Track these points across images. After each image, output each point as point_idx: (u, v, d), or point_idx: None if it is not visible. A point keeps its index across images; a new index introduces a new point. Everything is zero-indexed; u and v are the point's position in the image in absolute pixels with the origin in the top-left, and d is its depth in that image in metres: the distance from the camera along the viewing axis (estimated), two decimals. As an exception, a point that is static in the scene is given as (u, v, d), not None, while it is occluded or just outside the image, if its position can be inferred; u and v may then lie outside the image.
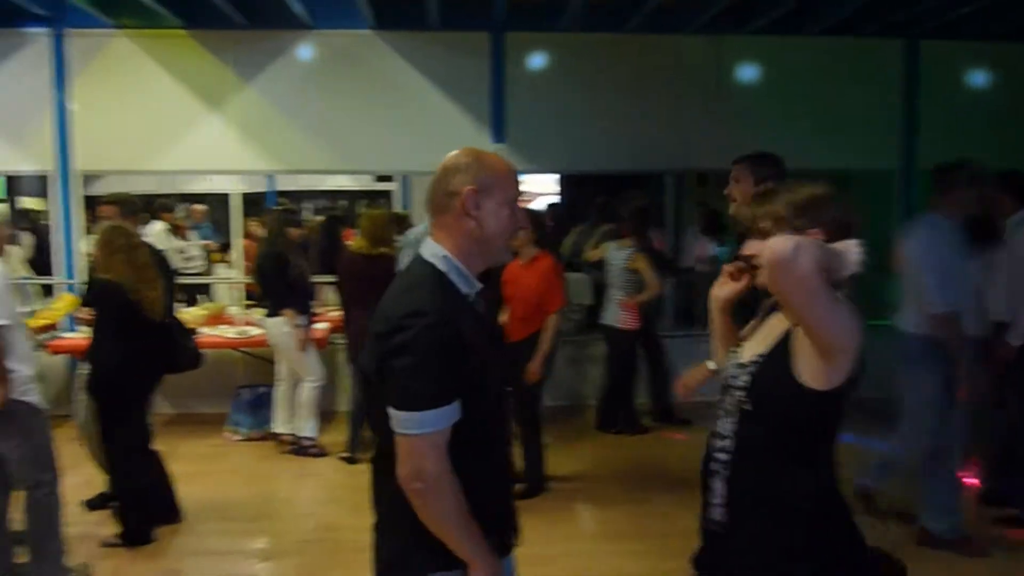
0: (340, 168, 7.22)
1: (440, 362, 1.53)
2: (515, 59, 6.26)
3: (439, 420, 1.53)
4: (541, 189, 9.45)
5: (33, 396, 3.29)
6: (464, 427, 1.58)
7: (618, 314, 5.54)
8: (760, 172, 3.09)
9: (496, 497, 1.74)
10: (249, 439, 5.57)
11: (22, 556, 3.44)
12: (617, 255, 5.56)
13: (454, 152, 1.70)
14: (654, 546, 3.86)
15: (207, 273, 8.09)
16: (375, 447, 1.75)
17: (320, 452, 5.20)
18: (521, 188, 1.73)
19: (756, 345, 1.82)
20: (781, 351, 1.71)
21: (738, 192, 3.15)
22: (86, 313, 4.02)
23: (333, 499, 4.62)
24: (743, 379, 1.76)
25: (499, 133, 6.27)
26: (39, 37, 6.01)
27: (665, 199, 7.91)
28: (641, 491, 4.67)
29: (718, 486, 1.81)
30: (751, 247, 1.78)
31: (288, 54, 6.17)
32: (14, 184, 8.56)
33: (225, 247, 8.48)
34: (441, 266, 1.64)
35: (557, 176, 7.92)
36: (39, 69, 6.02)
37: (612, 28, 6.14)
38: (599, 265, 5.87)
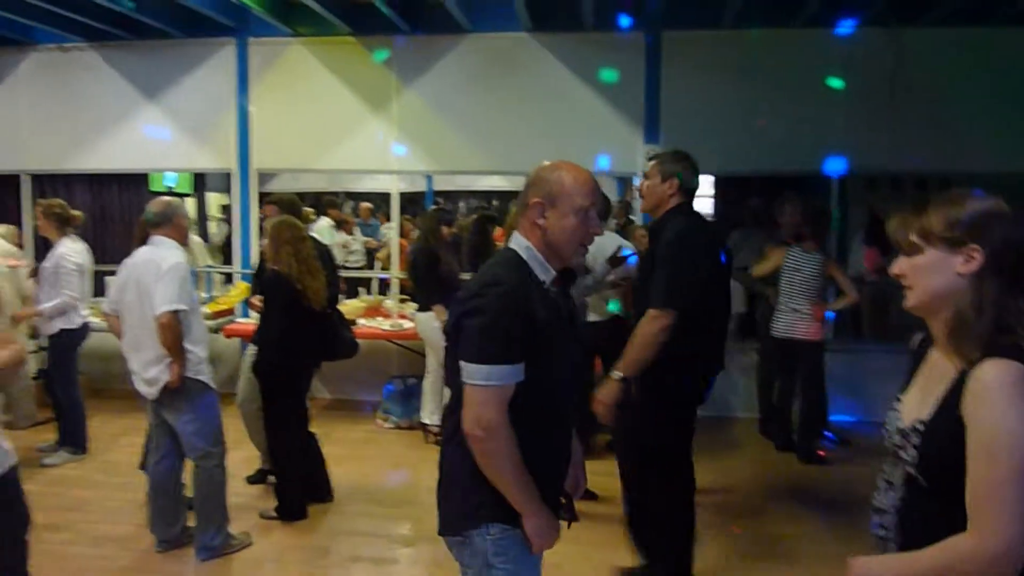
0: (493, 169, 7.37)
1: (508, 325, 1.73)
2: (670, 58, 6.11)
3: (503, 376, 1.74)
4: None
5: (206, 376, 3.58)
6: (526, 396, 1.77)
7: (805, 325, 5.09)
8: (669, 169, 3.08)
9: (546, 474, 1.88)
10: (398, 427, 5.80)
11: (191, 520, 3.76)
12: (802, 261, 5.12)
13: (541, 164, 1.92)
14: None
15: (368, 267, 8.50)
16: (448, 407, 1.93)
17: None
18: (593, 199, 1.87)
19: (918, 402, 1.48)
20: (949, 414, 1.36)
21: (645, 188, 3.17)
22: (258, 300, 4.33)
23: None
24: (910, 452, 1.43)
25: (652, 133, 6.15)
26: (225, 46, 6.55)
27: (828, 204, 7.44)
28: (792, 511, 4.42)
29: None
30: (898, 265, 1.49)
31: (446, 57, 6.36)
32: (201, 180, 9.40)
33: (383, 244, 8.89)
34: (523, 254, 1.87)
35: (712, 178, 7.65)
36: (224, 76, 6.56)
37: (776, 23, 5.87)
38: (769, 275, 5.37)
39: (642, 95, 6.15)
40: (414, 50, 6.35)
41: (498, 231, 7.45)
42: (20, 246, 6.08)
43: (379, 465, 5.09)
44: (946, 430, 1.36)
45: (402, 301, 6.54)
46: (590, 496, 4.17)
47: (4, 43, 6.76)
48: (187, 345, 3.44)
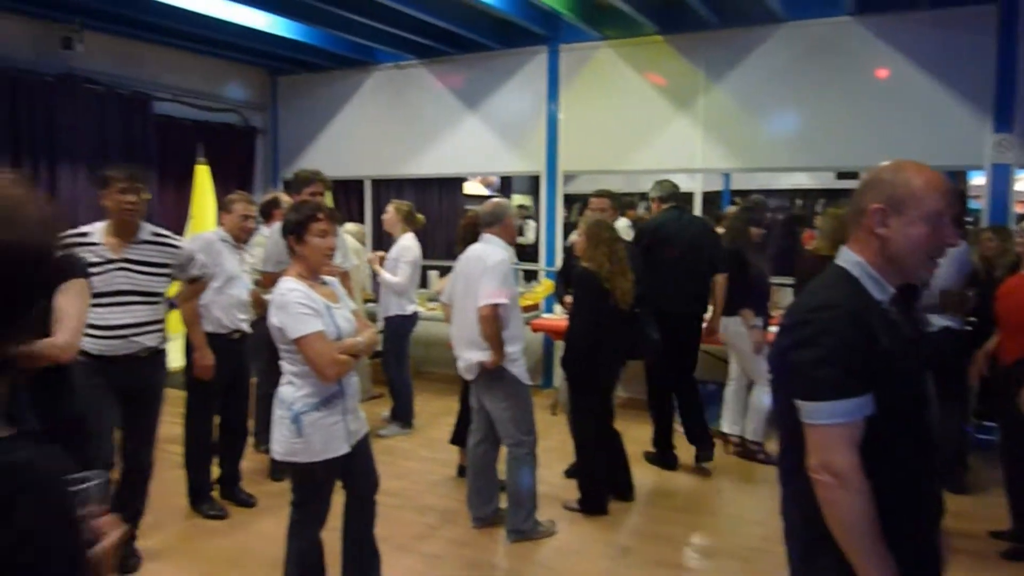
0: (803, 165, 6.89)
1: (847, 353, 1.50)
2: (1033, 32, 5.24)
3: (848, 411, 1.50)
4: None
5: (520, 368, 3.77)
6: (877, 435, 1.51)
7: None
8: None
9: (913, 528, 1.58)
10: (696, 433, 5.65)
11: (503, 501, 3.98)
12: None
13: (881, 164, 1.64)
14: None
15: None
16: (780, 452, 1.72)
17: (768, 459, 5.02)
18: (949, 203, 1.57)
19: None
20: None
21: None
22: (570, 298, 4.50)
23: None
24: None
25: (1004, 121, 5.32)
26: (538, 54, 6.88)
27: None
28: None
29: None
30: None
31: (758, 50, 6.07)
32: (507, 183, 10.03)
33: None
34: (854, 271, 1.61)
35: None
36: (536, 82, 6.90)
37: None
38: None
39: (991, 77, 5.34)
40: (724, 44, 6.15)
41: (806, 233, 6.99)
42: (362, 243, 6.96)
43: (679, 470, 5.00)
44: None
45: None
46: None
47: (351, 64, 7.76)
48: (504, 337, 3.66)
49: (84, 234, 3.22)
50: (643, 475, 4.56)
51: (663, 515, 4.29)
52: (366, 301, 6.25)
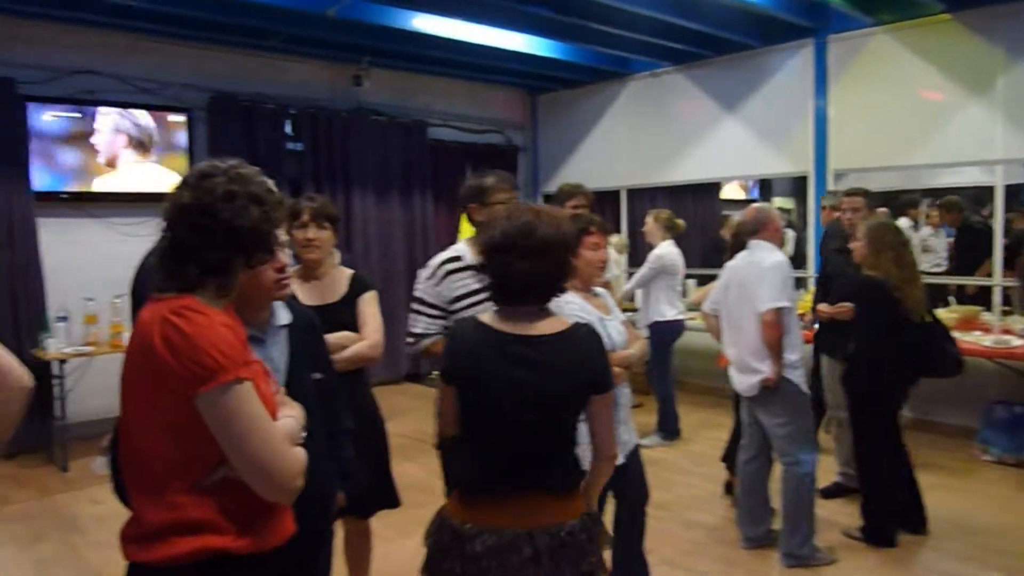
0: None
1: None
2: None
3: None
4: None
5: (800, 377, 3.54)
6: None
7: None
8: None
9: None
10: (1001, 462, 4.95)
11: (776, 524, 3.77)
12: None
13: None
14: None
15: (950, 273, 7.52)
16: None
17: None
18: None
19: None
20: None
21: None
22: (827, 307, 4.17)
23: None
24: None
25: None
26: (802, 48, 6.48)
27: None
28: None
29: None
30: None
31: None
32: (767, 185, 9.53)
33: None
34: None
35: None
36: (801, 78, 6.50)
37: None
38: None
39: None
40: (1031, 16, 5.35)
41: None
42: (624, 253, 7.06)
43: (979, 502, 4.41)
44: None
45: (1006, 313, 5.58)
46: None
47: (607, 77, 7.87)
48: (783, 344, 3.46)
49: (457, 257, 2.80)
50: (933, 505, 4.06)
51: (961, 552, 3.79)
52: (624, 310, 6.27)
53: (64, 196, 5.86)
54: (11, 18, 5.50)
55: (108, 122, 5.97)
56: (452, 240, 7.77)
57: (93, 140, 5.91)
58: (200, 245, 1.43)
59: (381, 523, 3.05)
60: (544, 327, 1.82)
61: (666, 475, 4.95)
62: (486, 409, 1.81)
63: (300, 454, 1.48)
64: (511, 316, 1.83)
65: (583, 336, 1.86)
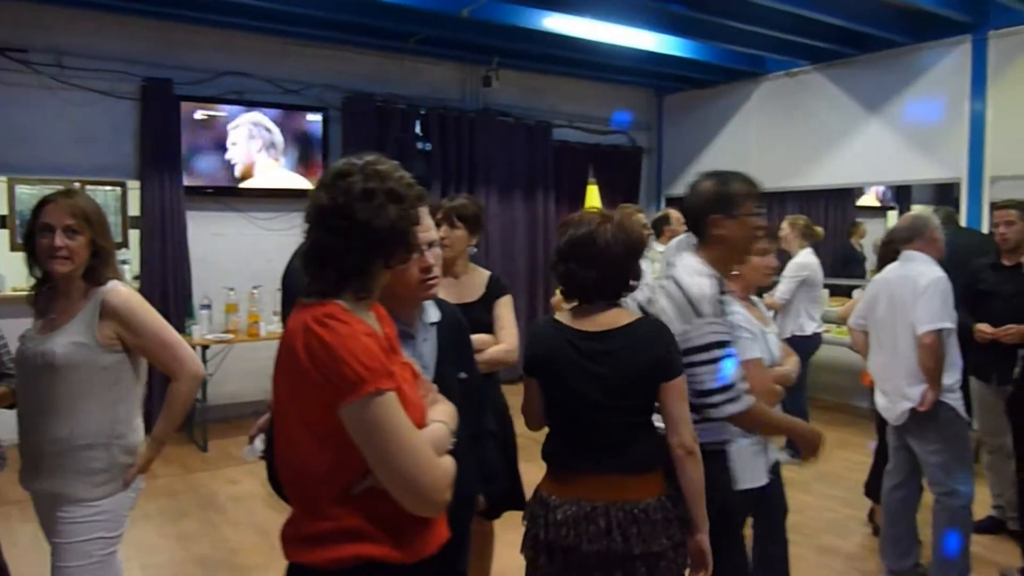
0: None
1: None
2: None
3: None
4: None
5: (958, 401, 3.27)
6: None
7: None
8: None
9: None
10: None
11: (924, 559, 3.50)
12: None
13: None
14: None
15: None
16: None
17: None
18: None
19: None
20: None
21: None
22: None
23: None
24: None
25: None
26: (958, 46, 6.03)
27: None
28: None
29: None
30: None
31: None
32: (903, 192, 8.95)
33: None
34: None
35: None
36: (955, 77, 6.06)
37: None
38: None
39: None
40: None
41: None
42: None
43: None
44: None
45: None
46: None
47: (739, 76, 7.60)
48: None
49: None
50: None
51: None
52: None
53: (210, 191, 6.20)
54: (171, 23, 5.88)
55: (251, 121, 6.27)
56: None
57: (237, 138, 6.23)
58: (338, 247, 1.40)
59: (499, 524, 3.02)
60: (612, 320, 2.00)
61: (798, 495, 4.69)
62: (565, 397, 2.01)
63: (448, 465, 1.43)
64: (583, 313, 2.04)
65: (648, 327, 2.01)
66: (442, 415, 1.53)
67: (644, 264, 4.35)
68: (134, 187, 6.13)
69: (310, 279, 1.43)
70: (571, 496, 1.96)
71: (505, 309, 2.81)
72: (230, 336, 5.77)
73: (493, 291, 2.82)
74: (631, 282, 2.04)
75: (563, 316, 2.07)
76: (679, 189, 8.24)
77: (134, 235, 6.24)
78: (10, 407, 2.39)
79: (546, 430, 2.12)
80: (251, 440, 2.30)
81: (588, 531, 1.91)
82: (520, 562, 2.06)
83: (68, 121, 5.61)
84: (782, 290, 5.24)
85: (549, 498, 2.00)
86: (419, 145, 7.01)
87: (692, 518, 1.97)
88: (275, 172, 6.42)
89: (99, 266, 2.14)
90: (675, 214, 5.36)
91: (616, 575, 1.90)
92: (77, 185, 5.72)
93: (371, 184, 1.41)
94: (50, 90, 5.54)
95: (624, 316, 2.02)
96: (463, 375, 1.97)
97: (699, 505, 1.98)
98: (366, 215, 1.38)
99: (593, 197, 7.81)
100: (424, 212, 1.60)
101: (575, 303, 2.07)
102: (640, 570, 1.89)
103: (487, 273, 2.87)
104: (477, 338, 2.66)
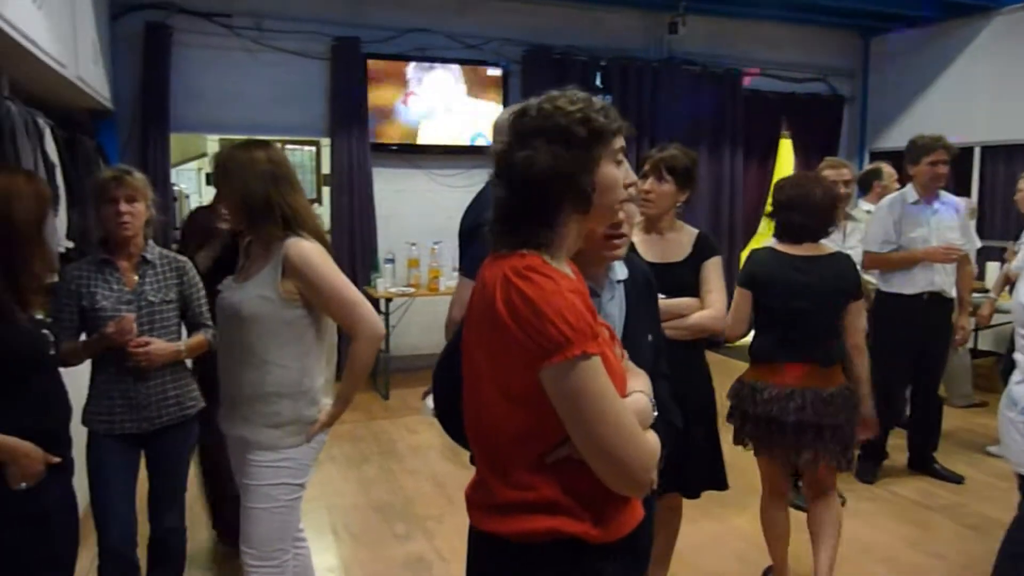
0: None
1: None
2: None
3: None
4: None
5: None
6: None
7: None
8: None
9: None
10: None
11: None
12: None
13: None
14: None
15: None
16: None
17: None
18: None
19: None
20: None
21: None
22: None
23: None
24: None
25: None
26: None
27: None
28: None
29: None
30: None
31: None
32: None
33: None
34: None
35: None
36: None
37: None
38: None
39: None
40: None
41: None
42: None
43: None
44: None
45: None
46: None
47: (964, 12, 6.67)
48: None
49: None
50: None
51: None
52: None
53: (394, 148, 6.34)
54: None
55: (435, 78, 6.32)
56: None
57: (420, 94, 6.31)
58: (507, 196, 1.28)
59: (686, 501, 2.83)
60: (815, 251, 2.71)
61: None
62: (780, 304, 2.67)
63: (653, 441, 1.28)
64: (793, 247, 2.73)
65: (841, 259, 2.75)
66: (642, 384, 1.38)
67: (850, 225, 3.93)
68: (326, 145, 6.39)
69: (497, 232, 1.30)
70: (775, 382, 2.65)
71: (713, 271, 2.57)
72: (412, 290, 5.92)
73: (701, 251, 2.58)
74: (829, 228, 2.74)
75: (778, 246, 2.74)
76: (887, 142, 7.44)
77: (326, 192, 6.53)
78: (204, 356, 2.52)
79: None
80: (423, 396, 2.26)
81: (788, 407, 2.61)
82: (695, 540, 1.90)
83: (267, 82, 5.91)
84: (1021, 257, 4.52)
85: (755, 383, 2.71)
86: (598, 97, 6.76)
87: (861, 395, 2.72)
88: (459, 128, 6.45)
89: (285, 220, 2.12)
90: (888, 169, 4.78)
91: (807, 436, 2.62)
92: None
93: (532, 123, 1.28)
94: (250, 52, 5.85)
95: (826, 249, 2.74)
96: (649, 337, 1.79)
97: (866, 386, 2.75)
98: (520, 158, 1.25)
99: (786, 151, 7.22)
100: (616, 155, 1.39)
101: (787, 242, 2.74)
102: (824, 434, 2.62)
103: (695, 231, 2.63)
104: (682, 302, 2.47)
